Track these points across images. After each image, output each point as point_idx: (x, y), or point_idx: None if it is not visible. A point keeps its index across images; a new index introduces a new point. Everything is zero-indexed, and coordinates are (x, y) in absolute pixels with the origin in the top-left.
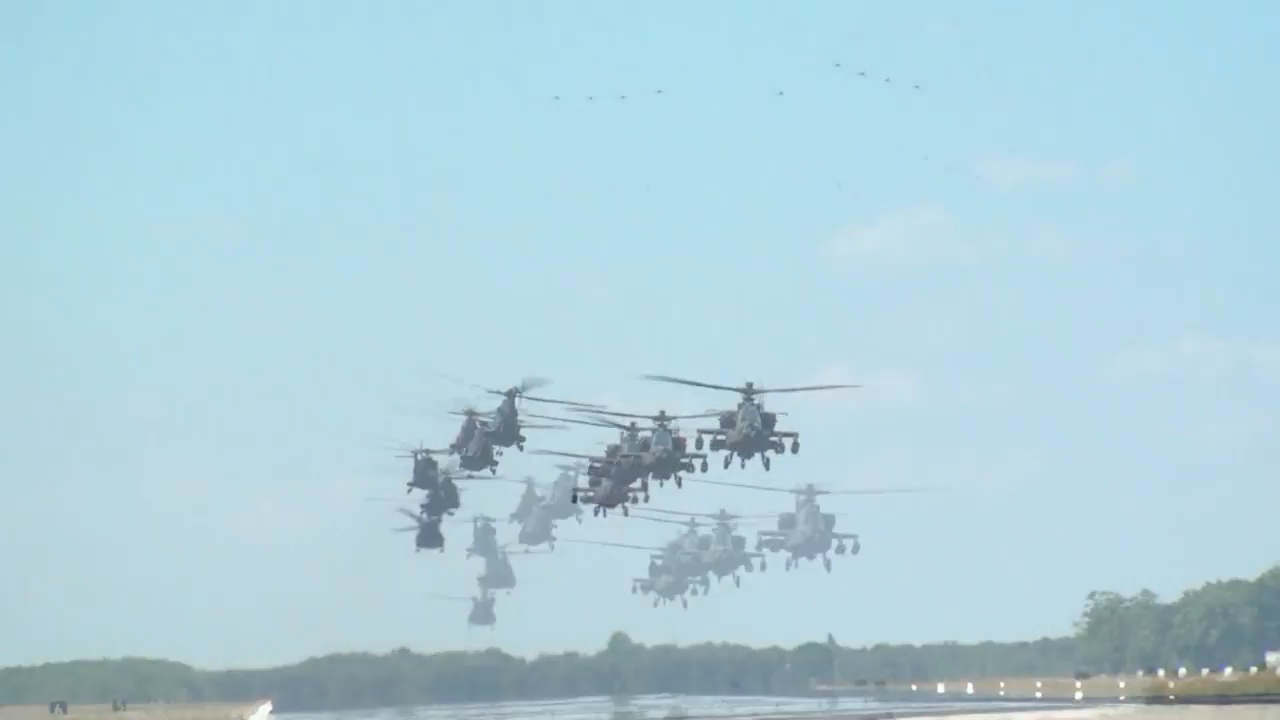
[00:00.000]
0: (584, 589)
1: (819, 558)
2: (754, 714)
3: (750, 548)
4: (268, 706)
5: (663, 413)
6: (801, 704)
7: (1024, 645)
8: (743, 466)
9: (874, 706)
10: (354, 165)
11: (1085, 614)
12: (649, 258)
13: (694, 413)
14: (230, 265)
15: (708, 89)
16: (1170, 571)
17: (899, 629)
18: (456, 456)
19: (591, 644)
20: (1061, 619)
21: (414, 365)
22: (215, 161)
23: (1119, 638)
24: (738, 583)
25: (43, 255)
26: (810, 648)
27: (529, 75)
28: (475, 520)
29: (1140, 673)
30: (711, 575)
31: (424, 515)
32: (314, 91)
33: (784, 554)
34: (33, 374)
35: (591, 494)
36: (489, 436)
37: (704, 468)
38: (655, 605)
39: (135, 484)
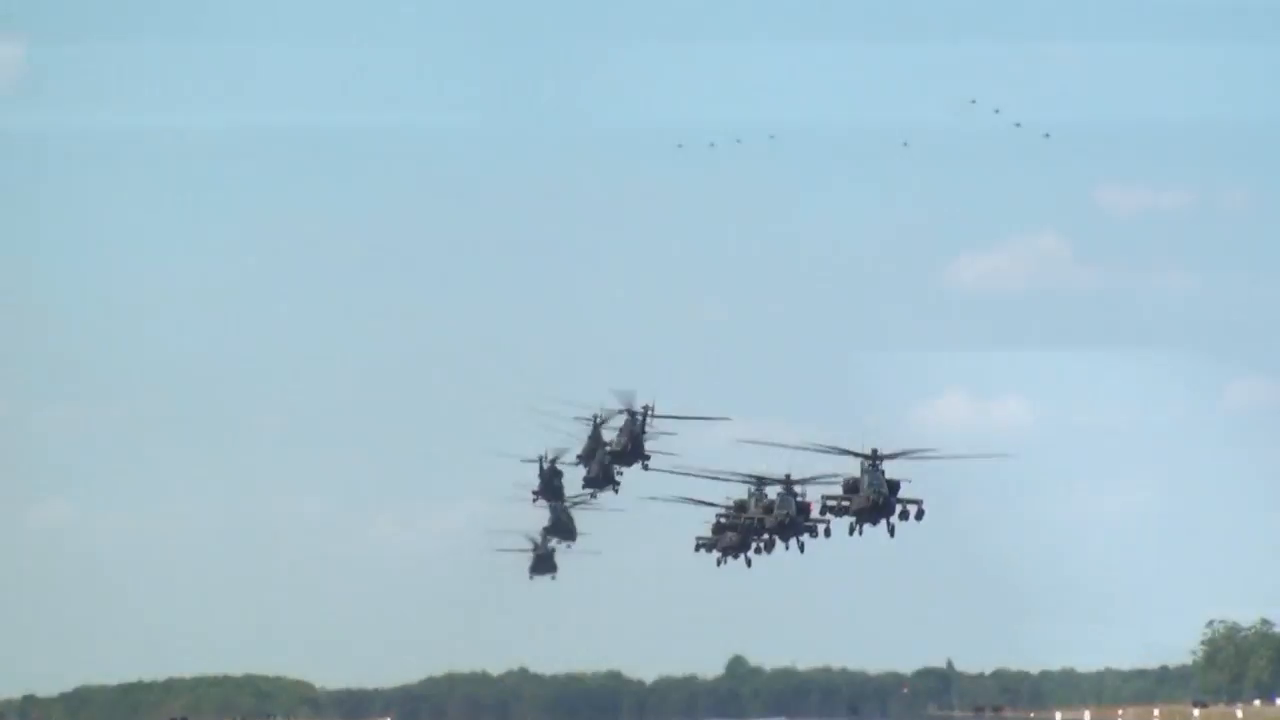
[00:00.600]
0: (646, 549)
1: (882, 524)
2: None
3: (815, 513)
4: None
5: (788, 476)
6: None
7: (1142, 673)
8: (860, 533)
9: None
10: (486, 185)
11: (1203, 642)
12: (768, 286)
13: (817, 472)
14: (355, 281)
15: (825, 129)
16: None
17: (1017, 655)
18: (581, 468)
19: (710, 667)
20: (1180, 647)
21: (537, 382)
22: (346, 176)
23: (1236, 666)
24: (802, 549)
25: (166, 271)
26: (928, 673)
27: (654, 120)
28: (540, 460)
29: (1258, 702)
30: (777, 542)
31: (543, 542)
32: (449, 112)
33: (847, 519)
34: (156, 391)
35: (715, 542)
36: (614, 456)
37: (827, 533)
38: (718, 565)
39: (258, 501)
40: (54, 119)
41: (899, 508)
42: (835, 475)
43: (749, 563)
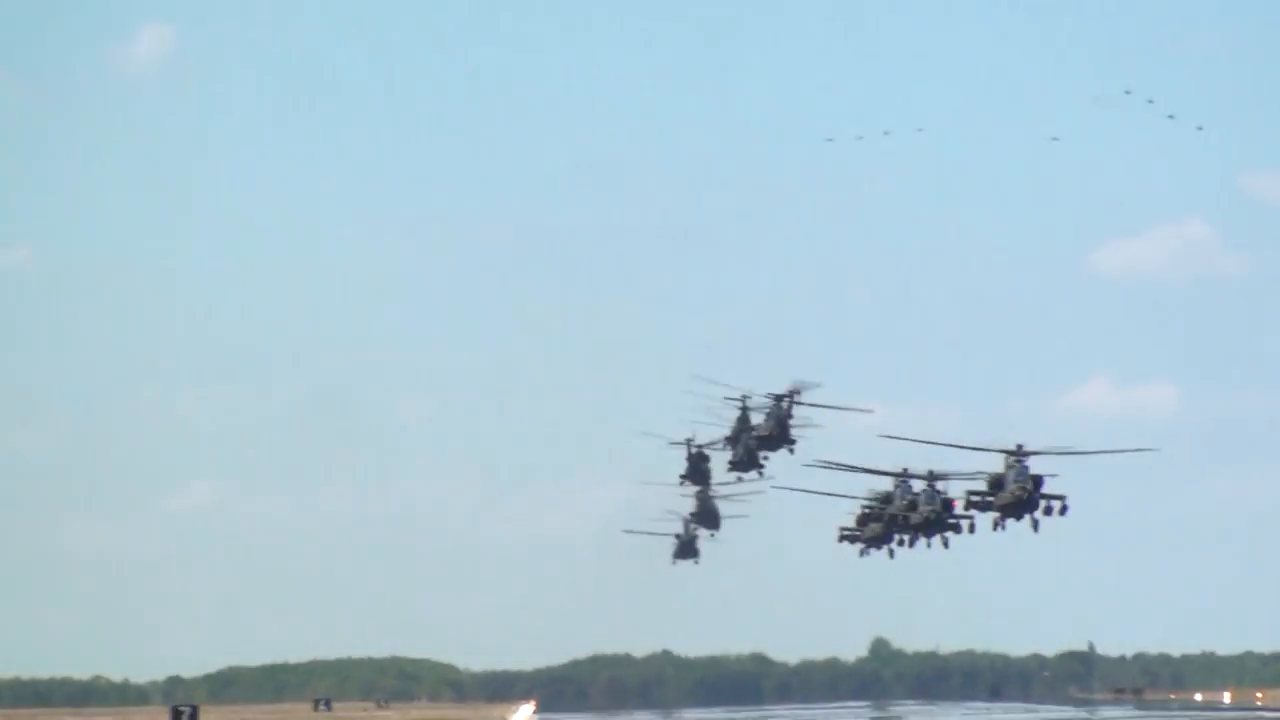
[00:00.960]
0: (789, 535)
1: (1026, 519)
2: None
3: (959, 509)
4: (531, 707)
5: (931, 472)
6: (1058, 712)
7: None
8: (1003, 528)
9: (1131, 714)
10: (627, 169)
11: None
12: (915, 272)
13: (961, 469)
14: (494, 268)
15: (977, 119)
16: None
17: (1159, 638)
18: (728, 451)
19: (852, 649)
20: None
21: (683, 367)
22: (487, 169)
23: None
24: (946, 544)
25: (315, 259)
26: (1070, 656)
27: (807, 112)
28: (688, 443)
29: None
30: (920, 538)
31: (687, 529)
32: (587, 102)
33: (991, 515)
34: (305, 377)
35: (858, 534)
36: (760, 440)
37: (971, 529)
38: (861, 555)
39: (403, 484)
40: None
41: (1043, 503)
42: (979, 471)
43: (891, 554)
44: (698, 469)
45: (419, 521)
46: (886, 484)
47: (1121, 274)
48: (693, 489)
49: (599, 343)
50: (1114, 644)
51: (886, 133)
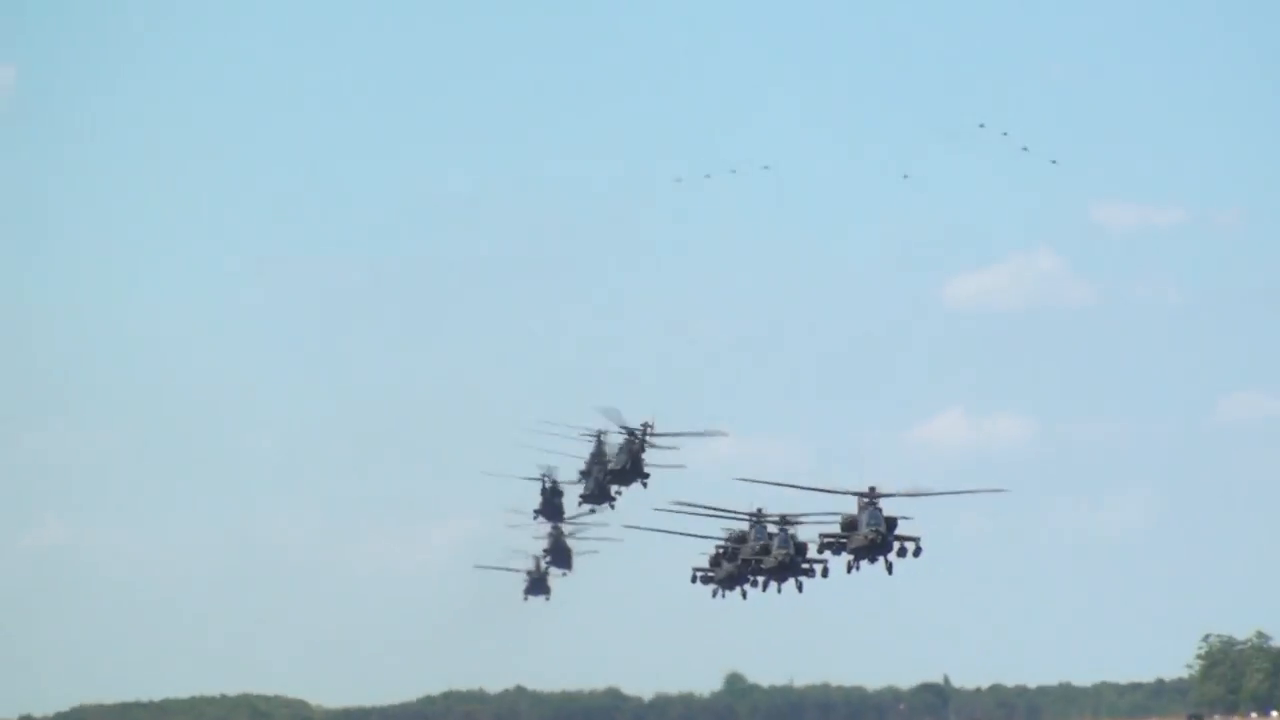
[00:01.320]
0: (642, 571)
1: (880, 561)
2: None
3: (812, 551)
4: None
5: (784, 517)
6: None
7: (1138, 686)
8: (857, 569)
9: None
10: (478, 204)
11: (1199, 655)
12: (767, 307)
13: (814, 508)
14: (342, 301)
15: (825, 156)
16: None
17: (1014, 669)
18: (581, 486)
19: (707, 684)
20: (1176, 660)
21: (534, 400)
22: (336, 202)
23: (1233, 680)
24: (800, 588)
25: (157, 291)
26: (925, 689)
27: (656, 153)
28: (543, 478)
29: (1254, 715)
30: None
31: (539, 566)
32: (431, 131)
33: (845, 557)
34: (150, 412)
35: (711, 574)
36: (613, 475)
37: (824, 573)
38: (714, 596)
39: (254, 520)
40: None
41: (897, 545)
42: (832, 513)
43: (744, 595)
44: (552, 504)
45: (269, 556)
46: (743, 522)
47: (973, 305)
48: (547, 525)
49: (449, 376)
50: (969, 676)
51: (733, 170)
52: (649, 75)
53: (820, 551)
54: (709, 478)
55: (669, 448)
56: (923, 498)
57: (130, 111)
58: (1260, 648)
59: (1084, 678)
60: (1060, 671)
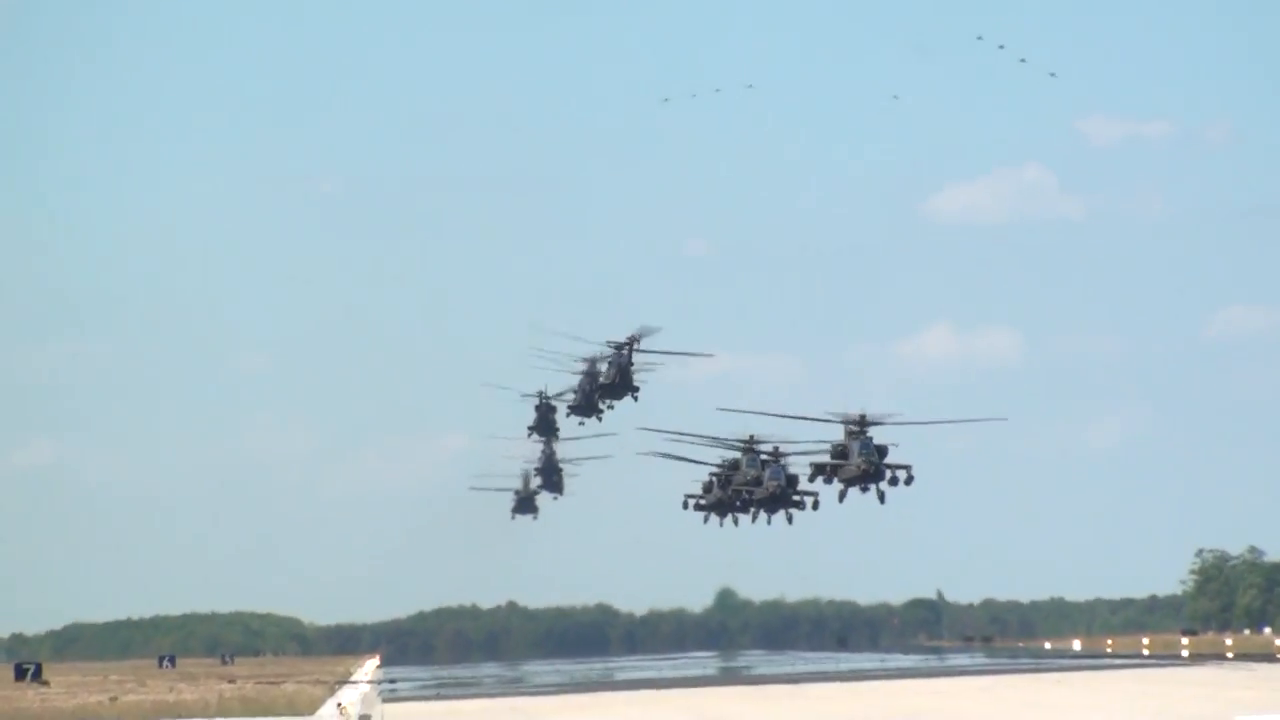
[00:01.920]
0: (634, 491)
1: (871, 489)
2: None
3: (803, 481)
4: (376, 660)
5: (776, 448)
6: (906, 660)
7: (1131, 602)
8: (846, 499)
9: (980, 662)
10: (462, 123)
11: (1193, 571)
12: (747, 220)
13: (803, 432)
14: (330, 221)
15: (810, 72)
16: (1278, 527)
17: (1007, 585)
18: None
19: (698, 599)
20: (1169, 576)
21: (523, 318)
22: (324, 120)
23: (1226, 595)
24: (790, 520)
25: (149, 208)
26: (918, 604)
27: (642, 71)
28: (540, 395)
29: (1247, 630)
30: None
31: (527, 484)
32: (421, 57)
33: (836, 486)
34: (141, 329)
35: (703, 501)
36: (602, 389)
37: (815, 506)
38: (705, 522)
39: (244, 438)
40: None
41: (889, 473)
42: (821, 441)
43: (736, 522)
44: (546, 420)
45: (260, 476)
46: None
47: (959, 219)
48: (540, 441)
49: (439, 295)
50: (962, 591)
51: (718, 90)
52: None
53: (811, 480)
54: (699, 393)
55: (658, 365)
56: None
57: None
58: (1253, 563)
59: (1077, 593)
60: (1053, 587)
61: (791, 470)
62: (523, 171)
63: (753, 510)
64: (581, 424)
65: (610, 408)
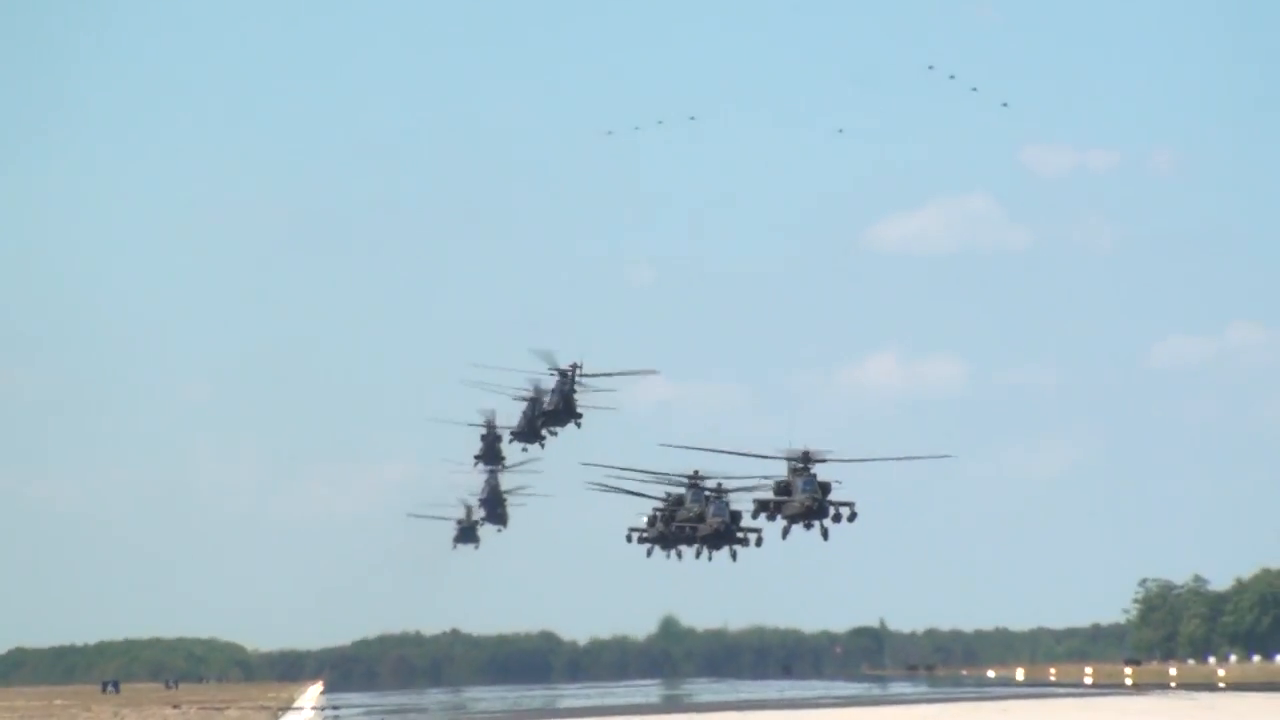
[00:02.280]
0: (577, 521)
1: (815, 526)
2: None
3: (746, 519)
4: (319, 686)
5: (720, 485)
6: (849, 689)
7: (1075, 631)
8: (789, 535)
9: (923, 691)
10: (405, 153)
11: (1136, 600)
12: (695, 250)
13: (746, 473)
14: (279, 250)
15: (757, 106)
16: (1222, 558)
17: (951, 614)
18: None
19: (641, 627)
20: (1113, 605)
21: (469, 348)
22: (269, 152)
23: (1170, 625)
24: (734, 557)
25: (91, 241)
26: (861, 632)
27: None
28: (487, 424)
29: (1191, 660)
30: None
31: (469, 515)
32: (372, 85)
33: (780, 522)
34: (84, 358)
35: (646, 534)
36: (546, 416)
37: (758, 543)
38: (649, 555)
39: (186, 466)
40: None
41: (832, 510)
42: (767, 476)
43: (679, 555)
44: (492, 450)
45: (204, 502)
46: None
47: (904, 247)
48: (486, 470)
49: (382, 324)
50: (905, 620)
51: (660, 122)
52: (586, 30)
53: (754, 516)
54: (643, 418)
55: (604, 389)
56: (861, 463)
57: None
58: (1197, 592)
59: (1021, 623)
60: (997, 616)
61: (735, 506)
62: (468, 201)
63: (696, 546)
64: (524, 450)
65: (553, 434)
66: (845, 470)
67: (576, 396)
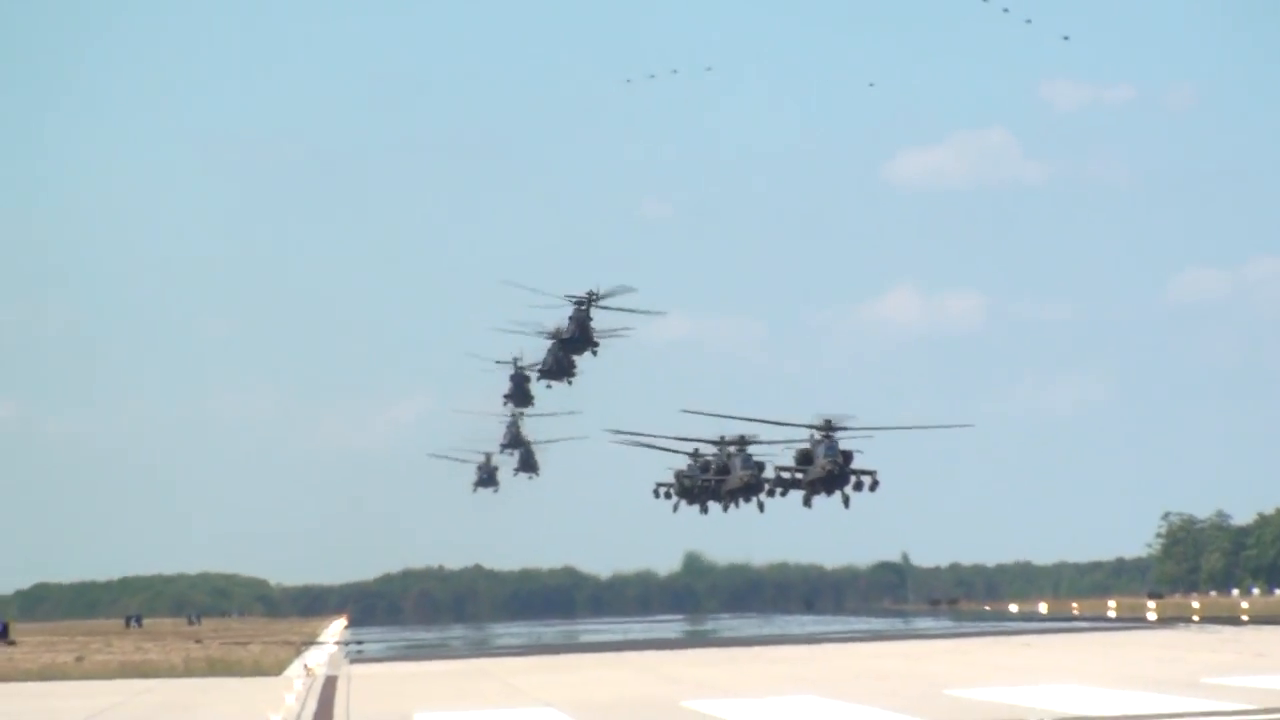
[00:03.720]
0: (603, 458)
1: (837, 494)
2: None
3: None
4: (343, 621)
5: (742, 437)
6: (872, 623)
7: (1098, 565)
8: (811, 505)
9: (945, 625)
10: (421, 88)
11: (1159, 535)
12: (713, 182)
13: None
14: (300, 184)
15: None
16: (1244, 493)
17: (974, 549)
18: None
19: (665, 563)
20: (1136, 540)
21: (490, 281)
22: (285, 86)
23: (1193, 559)
24: (761, 508)
25: (102, 176)
26: (884, 567)
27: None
28: (515, 362)
29: (1214, 593)
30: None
31: (491, 458)
32: (387, 20)
33: (801, 491)
34: (103, 289)
35: (673, 488)
36: (562, 344)
37: (784, 493)
38: (675, 510)
39: (210, 399)
40: None
41: (853, 479)
42: (790, 441)
43: (704, 509)
44: (521, 390)
45: (227, 438)
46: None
47: (921, 183)
48: (516, 412)
49: (405, 258)
50: (928, 555)
51: (674, 71)
52: None
53: (775, 485)
54: (660, 358)
55: (619, 329)
56: (884, 431)
57: None
58: (1220, 526)
59: (1043, 557)
60: (1019, 551)
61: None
62: (485, 138)
63: (724, 501)
64: (549, 387)
65: (574, 367)
66: (864, 450)
67: (592, 325)
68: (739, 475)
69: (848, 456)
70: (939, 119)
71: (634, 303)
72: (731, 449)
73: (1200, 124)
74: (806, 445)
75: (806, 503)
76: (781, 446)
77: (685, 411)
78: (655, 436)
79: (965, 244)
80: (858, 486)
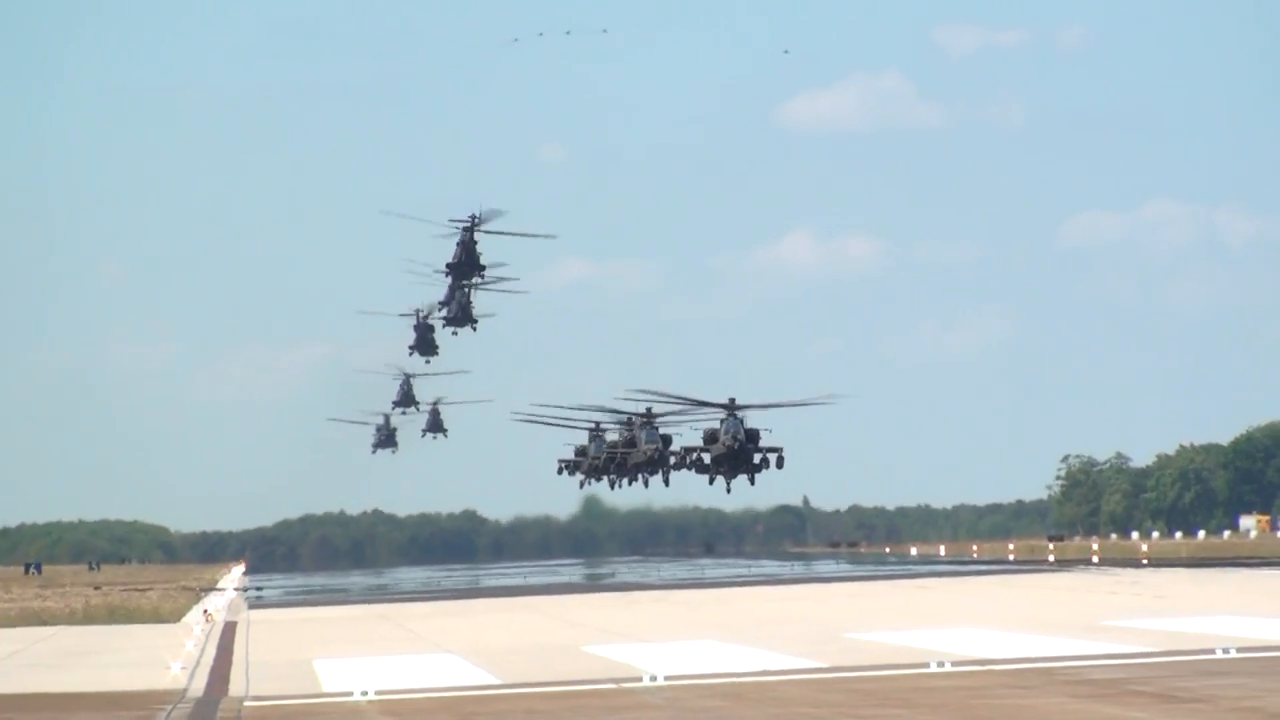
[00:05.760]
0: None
1: (742, 478)
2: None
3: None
4: (241, 568)
5: (649, 410)
6: (772, 566)
7: (998, 508)
8: (729, 489)
9: (845, 568)
10: (318, 32)
11: (1059, 477)
12: (606, 125)
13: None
14: (195, 128)
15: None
16: (1143, 435)
17: (874, 492)
18: (445, 325)
19: (564, 507)
20: (1036, 482)
21: (380, 228)
22: (182, 30)
23: (1093, 501)
24: (667, 483)
25: (8, 127)
26: (784, 510)
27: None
28: (416, 313)
29: (1114, 536)
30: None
31: (386, 422)
32: None
33: (707, 468)
34: None
35: (577, 464)
36: (449, 269)
37: (692, 469)
38: (581, 487)
39: (106, 346)
40: None
41: (758, 456)
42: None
43: (612, 485)
44: (425, 340)
45: (125, 384)
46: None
47: (816, 125)
48: (424, 360)
49: (297, 204)
50: (828, 498)
51: (568, 33)
52: None
53: (680, 462)
54: (557, 300)
55: (505, 276)
56: (776, 404)
57: None
58: (1120, 469)
59: (943, 500)
60: (919, 494)
61: (665, 432)
62: (378, 83)
63: (629, 473)
64: (455, 334)
65: (475, 321)
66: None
67: (477, 249)
68: (645, 448)
69: (752, 435)
70: (833, 63)
71: (522, 227)
72: (637, 420)
73: (1094, 67)
74: (714, 425)
75: (711, 482)
76: (689, 426)
77: (624, 396)
78: (559, 408)
79: (862, 187)
80: (764, 464)
